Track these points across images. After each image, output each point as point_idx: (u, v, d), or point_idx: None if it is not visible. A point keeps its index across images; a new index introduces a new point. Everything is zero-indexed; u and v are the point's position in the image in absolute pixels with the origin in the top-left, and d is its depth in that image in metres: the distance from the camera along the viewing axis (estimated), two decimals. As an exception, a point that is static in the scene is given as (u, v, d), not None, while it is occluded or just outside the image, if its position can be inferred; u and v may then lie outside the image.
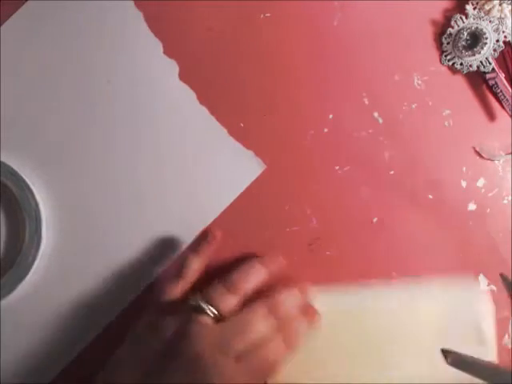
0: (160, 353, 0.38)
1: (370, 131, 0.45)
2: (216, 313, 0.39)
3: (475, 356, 0.35)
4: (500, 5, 0.43)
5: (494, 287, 0.44)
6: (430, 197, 0.44)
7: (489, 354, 0.43)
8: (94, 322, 0.44)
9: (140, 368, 0.38)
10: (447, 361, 0.35)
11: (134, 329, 0.40)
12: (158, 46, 0.44)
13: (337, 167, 0.44)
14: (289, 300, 0.41)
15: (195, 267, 0.42)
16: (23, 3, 0.44)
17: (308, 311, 0.42)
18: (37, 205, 0.43)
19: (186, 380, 0.37)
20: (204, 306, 0.39)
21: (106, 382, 0.39)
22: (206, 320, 0.38)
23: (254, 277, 0.41)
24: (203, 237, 0.43)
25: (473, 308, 0.43)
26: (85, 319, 0.44)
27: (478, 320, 0.43)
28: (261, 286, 0.41)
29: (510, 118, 0.44)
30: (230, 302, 0.39)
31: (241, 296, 0.40)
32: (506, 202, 0.44)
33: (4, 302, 0.43)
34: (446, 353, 0.35)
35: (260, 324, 0.39)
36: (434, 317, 0.43)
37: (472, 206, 0.44)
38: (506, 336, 0.43)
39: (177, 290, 0.41)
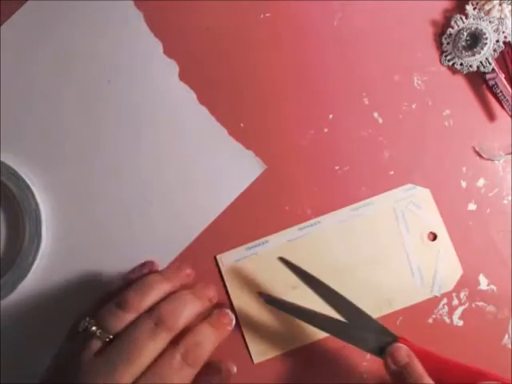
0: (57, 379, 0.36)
1: (370, 131, 0.45)
2: (108, 335, 0.35)
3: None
4: (500, 5, 0.43)
5: (493, 287, 0.44)
6: (430, 197, 0.44)
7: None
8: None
9: None
10: (262, 300, 0.41)
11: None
12: (158, 46, 0.44)
13: (337, 167, 0.44)
14: (178, 308, 0.37)
15: (113, 290, 0.39)
16: (23, 3, 0.44)
17: (215, 318, 0.39)
18: (37, 205, 0.43)
19: None
20: (93, 329, 0.35)
21: None
22: (95, 345, 0.35)
23: (152, 294, 0.37)
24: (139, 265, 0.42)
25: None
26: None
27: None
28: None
29: (509, 118, 0.44)
30: (122, 321, 0.35)
31: (135, 313, 0.36)
32: (506, 202, 0.44)
33: (4, 301, 0.43)
34: (260, 294, 0.42)
35: (146, 344, 0.34)
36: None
37: (472, 206, 0.44)
38: (506, 336, 0.43)
39: (89, 311, 0.38)
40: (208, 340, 0.37)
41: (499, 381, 0.36)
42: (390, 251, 0.44)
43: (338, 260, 0.44)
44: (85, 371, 0.34)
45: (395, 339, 0.39)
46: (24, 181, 0.43)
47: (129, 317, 0.36)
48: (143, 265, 0.42)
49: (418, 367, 0.37)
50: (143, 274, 0.40)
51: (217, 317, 0.39)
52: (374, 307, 0.43)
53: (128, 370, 0.34)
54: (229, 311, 0.41)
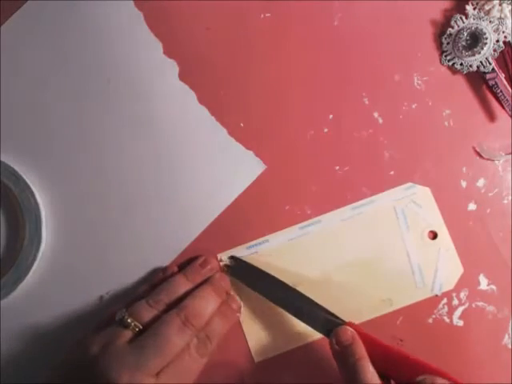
0: (81, 369, 0.38)
1: (370, 131, 0.44)
2: (139, 326, 0.39)
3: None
4: (500, 5, 0.43)
5: (494, 287, 0.44)
6: (430, 197, 0.44)
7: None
8: (95, 319, 0.43)
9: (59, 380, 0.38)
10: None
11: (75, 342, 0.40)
12: (158, 46, 0.44)
13: (337, 167, 0.44)
14: (204, 306, 0.40)
15: (139, 295, 0.42)
16: (23, 3, 0.44)
17: (224, 308, 0.42)
18: (37, 205, 0.43)
19: None
20: (127, 318, 0.39)
21: None
22: (127, 334, 0.38)
23: (177, 291, 0.41)
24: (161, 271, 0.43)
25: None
26: (85, 319, 0.44)
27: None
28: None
29: (509, 118, 0.44)
30: (150, 314, 0.39)
31: (162, 308, 0.40)
32: (506, 201, 0.44)
33: (4, 301, 0.43)
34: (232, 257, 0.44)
35: (175, 339, 0.38)
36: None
37: (472, 206, 0.44)
38: (506, 336, 0.43)
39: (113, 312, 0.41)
40: (219, 330, 0.41)
41: (441, 375, 0.36)
42: (391, 250, 0.44)
43: (339, 259, 0.44)
44: (117, 356, 0.37)
45: (343, 323, 0.40)
46: (24, 181, 0.43)
47: (157, 312, 0.39)
48: (165, 271, 0.43)
49: (360, 349, 0.39)
50: (167, 276, 0.43)
51: (227, 306, 0.42)
52: (375, 306, 0.43)
53: (156, 360, 0.37)
54: (237, 298, 0.43)
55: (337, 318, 0.41)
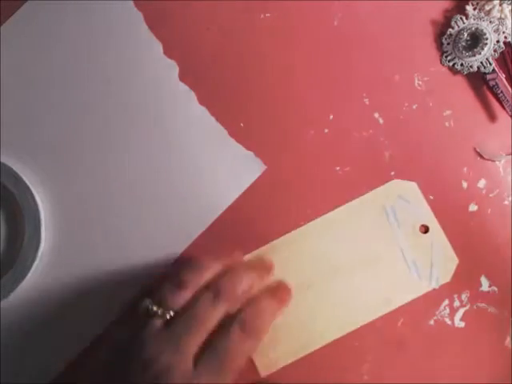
0: (119, 360, 0.37)
1: (371, 132, 0.44)
2: (169, 313, 0.37)
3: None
4: (500, 5, 0.43)
5: (495, 288, 0.43)
6: (431, 197, 0.44)
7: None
8: (95, 321, 0.44)
9: (93, 379, 0.38)
10: None
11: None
12: (157, 47, 0.44)
13: (337, 168, 0.44)
14: (235, 279, 0.38)
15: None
16: (23, 3, 0.44)
17: (273, 289, 0.40)
18: (36, 206, 0.43)
19: None
20: (154, 308, 0.37)
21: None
22: (158, 322, 0.36)
23: (206, 272, 0.38)
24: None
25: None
26: (85, 319, 0.44)
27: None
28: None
29: (510, 119, 0.44)
30: (181, 298, 0.37)
31: (192, 290, 0.37)
32: (507, 202, 0.44)
33: (4, 302, 0.43)
34: None
35: (207, 314, 0.36)
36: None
37: (473, 207, 0.44)
38: (508, 337, 0.43)
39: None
40: (267, 311, 0.38)
41: None
42: (384, 248, 0.43)
43: (336, 260, 0.43)
44: (150, 345, 0.35)
45: None
46: (23, 181, 0.43)
47: (187, 294, 0.37)
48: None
49: None
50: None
51: (277, 288, 0.40)
52: (374, 306, 0.43)
53: (192, 339, 0.35)
54: (287, 284, 0.41)
55: None
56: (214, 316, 0.36)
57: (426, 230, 0.44)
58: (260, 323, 0.37)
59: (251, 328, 0.37)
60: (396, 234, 0.43)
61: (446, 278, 0.43)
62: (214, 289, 0.37)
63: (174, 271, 0.40)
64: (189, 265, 0.39)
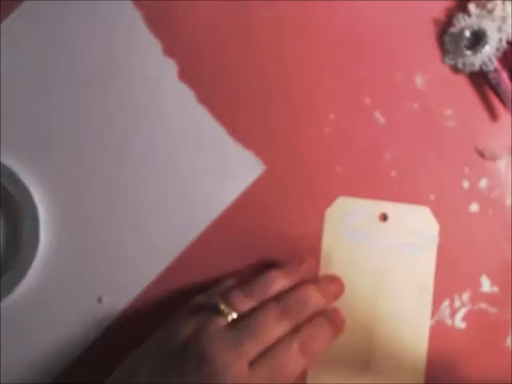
0: (174, 353, 0.38)
1: (371, 131, 0.44)
2: (233, 314, 0.38)
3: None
4: (503, 4, 0.42)
5: (496, 289, 0.43)
6: (432, 197, 0.44)
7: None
8: (95, 322, 0.44)
9: (154, 368, 0.38)
10: None
11: (155, 331, 0.41)
12: (157, 46, 0.44)
13: (338, 167, 0.44)
14: (304, 301, 0.40)
15: (229, 286, 0.42)
16: (21, 3, 0.44)
17: (331, 315, 0.41)
18: (35, 206, 0.43)
19: (199, 381, 0.37)
20: (222, 306, 0.38)
21: (120, 382, 0.39)
22: (222, 322, 0.38)
23: (274, 286, 0.40)
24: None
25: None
26: (85, 319, 0.44)
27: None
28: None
29: (512, 118, 0.44)
30: (247, 304, 0.39)
31: (258, 300, 0.39)
32: (508, 202, 0.44)
33: (3, 302, 0.43)
34: None
35: (272, 326, 0.38)
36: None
37: (474, 207, 0.44)
38: (509, 338, 0.43)
39: (205, 298, 0.41)
40: (325, 336, 0.40)
41: None
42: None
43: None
44: (214, 342, 0.37)
45: None
46: (22, 181, 0.43)
47: (252, 303, 0.39)
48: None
49: None
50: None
51: (334, 315, 0.41)
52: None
53: (254, 346, 0.37)
54: (341, 312, 0.42)
55: None
56: (278, 330, 0.38)
57: (385, 217, 0.44)
58: (317, 347, 0.39)
59: (309, 349, 0.38)
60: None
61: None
62: (283, 304, 0.39)
63: (243, 279, 0.42)
64: (259, 277, 0.41)
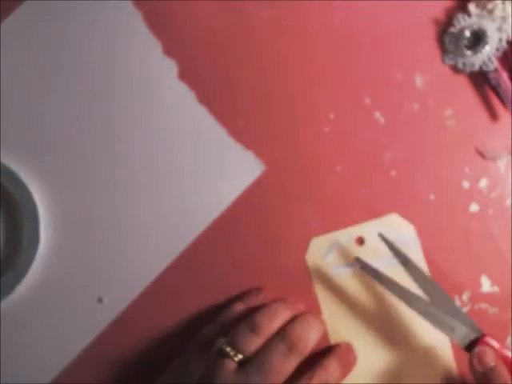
0: None
1: (372, 131, 0.44)
2: (240, 356, 0.38)
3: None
4: (503, 4, 0.42)
5: (496, 289, 0.43)
6: (432, 197, 0.44)
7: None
8: (94, 321, 0.44)
9: None
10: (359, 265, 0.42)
11: (170, 366, 0.41)
12: (157, 46, 0.44)
13: (338, 167, 0.44)
14: (307, 333, 0.40)
15: (236, 313, 0.42)
16: (21, 3, 0.44)
17: (342, 355, 0.42)
18: (35, 206, 0.43)
19: None
20: (227, 350, 0.38)
21: None
22: (230, 364, 0.38)
23: (279, 319, 0.40)
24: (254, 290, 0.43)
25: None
26: (85, 319, 0.44)
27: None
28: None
29: (512, 118, 0.44)
30: (253, 344, 0.39)
31: (265, 337, 0.39)
32: (508, 202, 0.44)
33: (3, 303, 0.43)
34: (358, 259, 0.42)
35: (280, 366, 0.38)
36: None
37: (474, 207, 0.44)
38: (509, 338, 0.43)
39: (213, 331, 0.41)
40: (336, 375, 0.40)
41: None
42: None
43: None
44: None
45: (482, 335, 0.39)
46: (22, 181, 0.43)
47: (260, 340, 0.39)
48: (259, 292, 0.43)
49: (505, 372, 0.38)
50: (260, 301, 0.43)
51: (346, 354, 0.42)
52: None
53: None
54: (352, 348, 0.43)
55: (475, 328, 0.40)
56: (287, 369, 0.38)
57: (362, 241, 0.44)
58: (329, 380, 0.40)
59: None
60: None
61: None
62: (288, 340, 0.39)
63: (247, 313, 0.41)
64: (263, 310, 0.41)
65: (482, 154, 0.44)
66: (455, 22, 0.43)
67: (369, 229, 0.44)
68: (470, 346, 0.39)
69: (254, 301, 0.42)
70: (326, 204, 0.44)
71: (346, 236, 0.44)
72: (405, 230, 0.44)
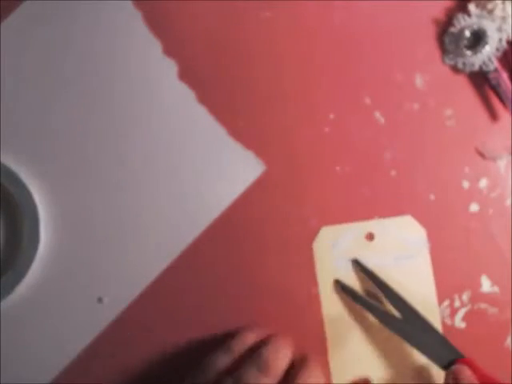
0: None
1: (372, 131, 0.44)
2: None
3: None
4: (503, 4, 0.42)
5: (496, 289, 0.43)
6: (432, 197, 0.44)
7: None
8: (94, 321, 0.44)
9: None
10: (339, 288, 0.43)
11: None
12: (157, 46, 0.44)
13: (337, 167, 0.44)
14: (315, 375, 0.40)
15: (246, 345, 0.41)
16: (21, 3, 0.44)
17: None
18: (35, 206, 0.43)
19: None
20: None
21: None
22: None
23: (284, 359, 0.39)
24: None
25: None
26: (85, 319, 0.44)
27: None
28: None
29: (512, 118, 0.44)
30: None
31: (275, 378, 0.38)
32: (508, 202, 0.44)
33: (3, 303, 0.43)
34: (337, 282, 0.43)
35: None
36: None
37: (474, 207, 0.44)
38: (509, 338, 0.43)
39: (220, 363, 0.40)
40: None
41: None
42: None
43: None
44: None
45: (460, 358, 0.40)
46: (22, 181, 0.43)
47: (269, 381, 0.38)
48: (245, 334, 0.42)
49: None
50: (248, 341, 0.41)
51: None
52: None
53: None
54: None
55: (455, 350, 0.40)
56: None
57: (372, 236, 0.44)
58: None
59: None
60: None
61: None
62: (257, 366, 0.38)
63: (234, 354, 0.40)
64: (270, 346, 0.40)
65: (481, 154, 0.44)
66: (455, 22, 0.43)
67: (380, 226, 0.44)
68: (448, 368, 0.40)
69: (262, 333, 0.42)
70: (325, 204, 0.44)
71: (357, 229, 0.44)
72: (416, 232, 0.44)
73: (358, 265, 0.43)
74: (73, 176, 0.44)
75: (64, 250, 0.44)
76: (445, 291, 0.43)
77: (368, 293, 0.43)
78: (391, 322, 0.41)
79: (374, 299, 0.43)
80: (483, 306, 0.43)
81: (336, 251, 0.44)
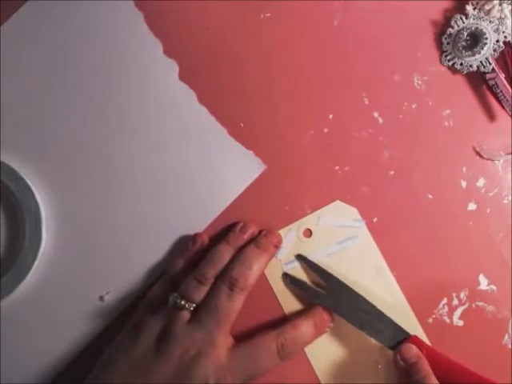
0: (146, 352, 0.39)
1: (370, 131, 0.44)
2: (194, 305, 0.40)
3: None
4: (500, 5, 0.43)
5: (494, 287, 0.44)
6: (430, 197, 0.44)
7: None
8: (95, 320, 0.44)
9: (127, 368, 0.39)
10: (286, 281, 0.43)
11: (123, 330, 0.41)
12: (157, 46, 0.44)
13: (337, 167, 0.44)
14: (247, 268, 0.41)
15: (178, 269, 0.42)
16: (23, 3, 0.44)
17: (316, 316, 0.42)
18: (37, 205, 0.43)
19: (174, 379, 0.38)
20: (182, 302, 0.40)
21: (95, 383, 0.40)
22: (185, 315, 0.40)
23: (221, 262, 0.41)
24: (190, 241, 0.43)
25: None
26: (85, 319, 0.44)
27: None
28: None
29: (510, 118, 0.44)
30: (202, 291, 0.40)
31: (210, 283, 0.41)
32: (506, 201, 0.44)
33: (4, 302, 0.43)
34: (285, 274, 0.44)
35: (227, 305, 0.40)
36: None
37: (472, 206, 0.44)
38: (506, 336, 0.43)
39: (161, 290, 0.42)
40: (306, 339, 0.42)
41: None
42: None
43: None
44: (183, 337, 0.39)
45: (407, 337, 0.41)
46: (24, 181, 0.43)
47: (206, 288, 0.41)
48: (194, 241, 0.43)
49: (425, 366, 0.39)
50: (197, 249, 0.43)
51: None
52: None
53: (221, 330, 0.40)
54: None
55: (402, 330, 0.41)
56: (235, 307, 0.40)
57: (310, 233, 0.44)
58: (296, 349, 0.41)
59: (287, 352, 0.40)
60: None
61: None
62: (228, 281, 0.40)
63: (188, 256, 0.43)
64: (207, 257, 0.42)
65: (479, 154, 0.44)
66: (453, 23, 0.44)
67: (313, 220, 0.44)
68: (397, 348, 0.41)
69: (195, 248, 0.43)
70: (325, 204, 0.44)
71: (294, 229, 0.44)
72: (348, 214, 0.44)
73: (301, 259, 0.43)
74: (74, 176, 0.44)
75: (65, 249, 0.44)
76: (443, 289, 0.43)
77: (318, 284, 0.43)
78: (338, 308, 0.42)
79: (322, 289, 0.43)
80: (481, 304, 0.44)
81: (280, 257, 0.44)
